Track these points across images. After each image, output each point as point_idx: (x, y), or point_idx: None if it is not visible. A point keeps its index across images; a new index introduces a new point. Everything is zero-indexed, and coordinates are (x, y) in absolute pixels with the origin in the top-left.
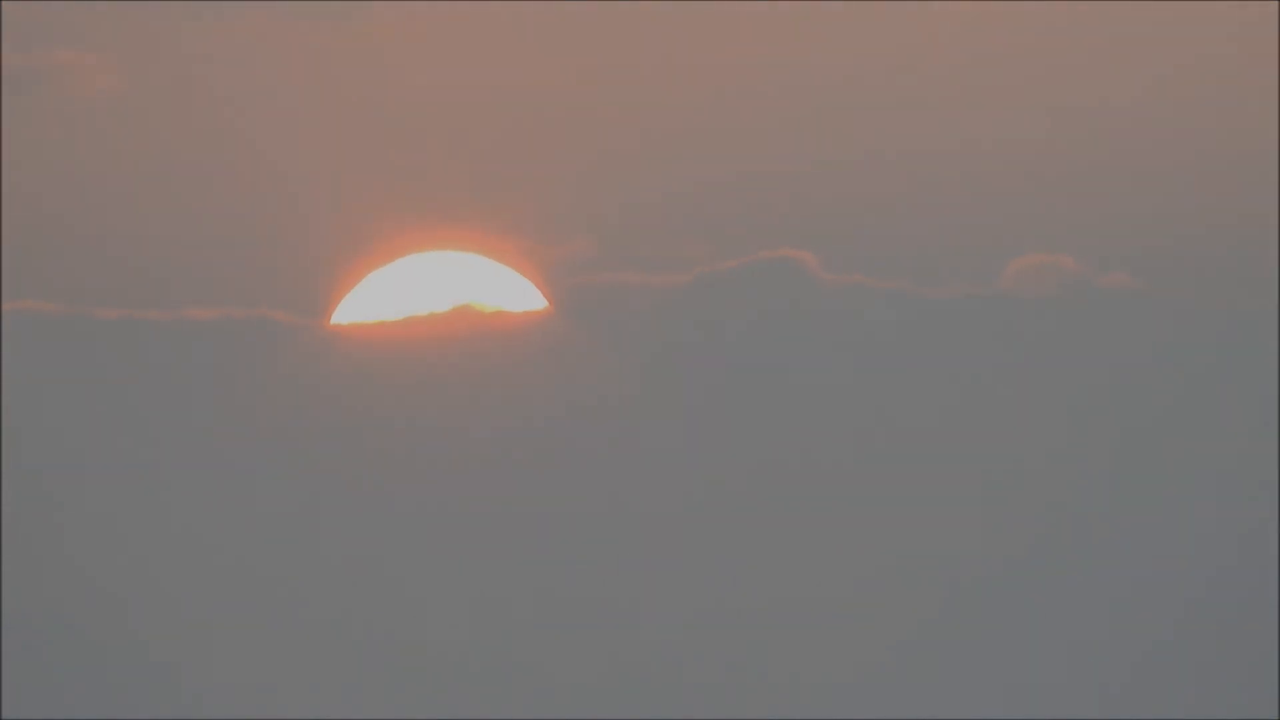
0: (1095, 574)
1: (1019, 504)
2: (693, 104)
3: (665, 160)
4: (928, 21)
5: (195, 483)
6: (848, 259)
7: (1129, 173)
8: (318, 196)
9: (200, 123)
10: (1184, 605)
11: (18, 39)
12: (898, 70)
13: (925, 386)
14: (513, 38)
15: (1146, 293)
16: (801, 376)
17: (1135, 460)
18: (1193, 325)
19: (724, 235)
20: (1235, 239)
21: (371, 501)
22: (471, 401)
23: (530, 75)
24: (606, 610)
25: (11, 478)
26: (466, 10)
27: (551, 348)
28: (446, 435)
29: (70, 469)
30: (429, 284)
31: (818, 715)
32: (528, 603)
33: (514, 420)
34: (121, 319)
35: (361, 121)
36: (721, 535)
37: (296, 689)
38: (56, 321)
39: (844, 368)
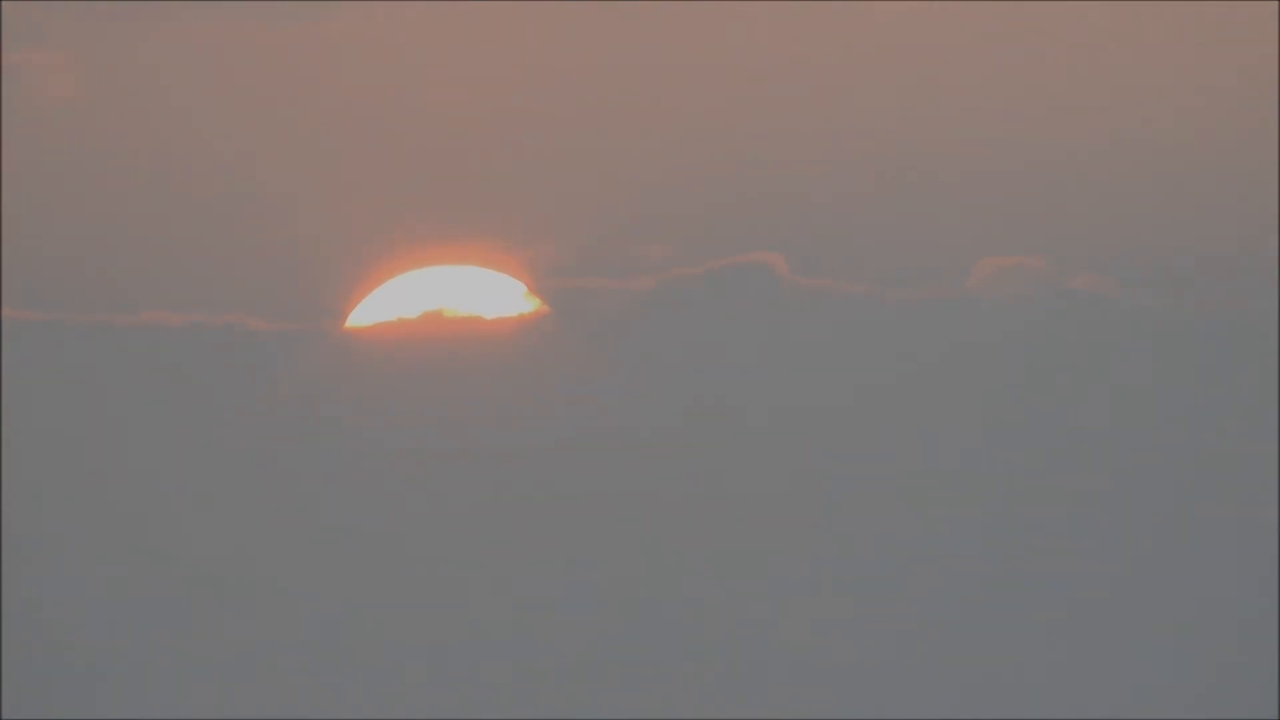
0: (1081, 573)
1: (992, 503)
2: (666, 108)
3: (638, 164)
4: (898, 25)
5: (185, 481)
6: (818, 262)
7: (1098, 174)
8: (297, 203)
9: (166, 128)
10: (1170, 604)
11: None
12: (867, 74)
13: (897, 387)
14: (484, 44)
15: (1116, 293)
16: (773, 379)
17: (1108, 459)
18: (1163, 325)
19: (695, 239)
20: (1208, 240)
21: (358, 502)
22: (447, 405)
23: (503, 81)
24: (588, 604)
25: (9, 479)
26: (441, 13)
27: (524, 352)
28: (426, 438)
29: (62, 472)
30: (404, 291)
31: (801, 715)
32: (514, 598)
33: (491, 425)
34: (94, 324)
35: (339, 126)
36: (702, 536)
37: (288, 689)
38: (34, 327)
39: (815, 370)
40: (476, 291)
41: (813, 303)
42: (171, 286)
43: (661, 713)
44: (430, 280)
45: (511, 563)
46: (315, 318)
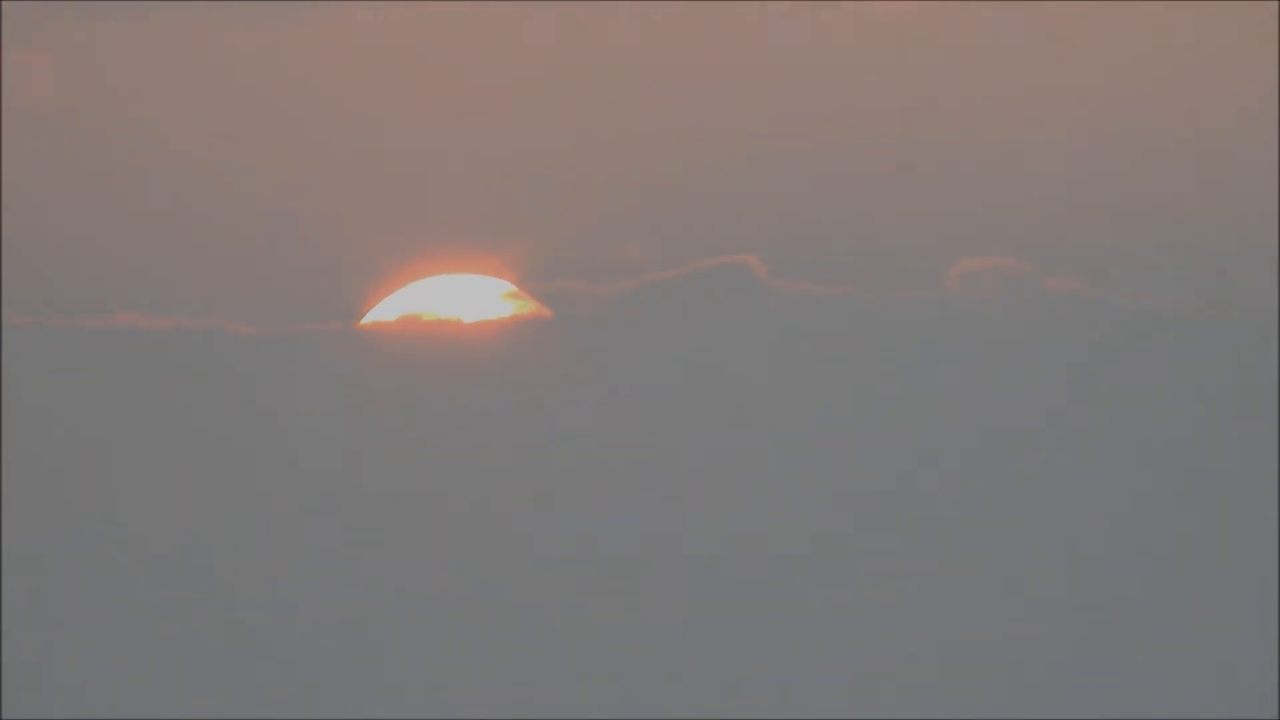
0: (1072, 573)
1: (972, 503)
2: (643, 110)
3: (616, 167)
4: (878, 28)
5: (175, 483)
6: (796, 264)
7: (1076, 175)
8: (281, 207)
9: (146, 129)
10: (1164, 604)
11: None
12: (845, 77)
13: (876, 387)
14: (466, 47)
15: (1091, 294)
16: (751, 381)
17: (1087, 458)
18: (1139, 326)
19: (672, 241)
20: (1185, 241)
21: (345, 503)
22: (428, 410)
23: (480, 83)
24: (577, 601)
25: (10, 481)
26: (423, 16)
27: (505, 356)
28: (409, 441)
29: (55, 474)
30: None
31: (791, 715)
32: (506, 598)
33: (474, 428)
34: (80, 328)
35: (317, 131)
36: (687, 537)
37: (285, 689)
38: (25, 332)
39: (795, 370)
40: (457, 295)
41: (792, 304)
42: (151, 289)
43: (654, 713)
44: (413, 285)
45: (502, 563)
46: (297, 322)
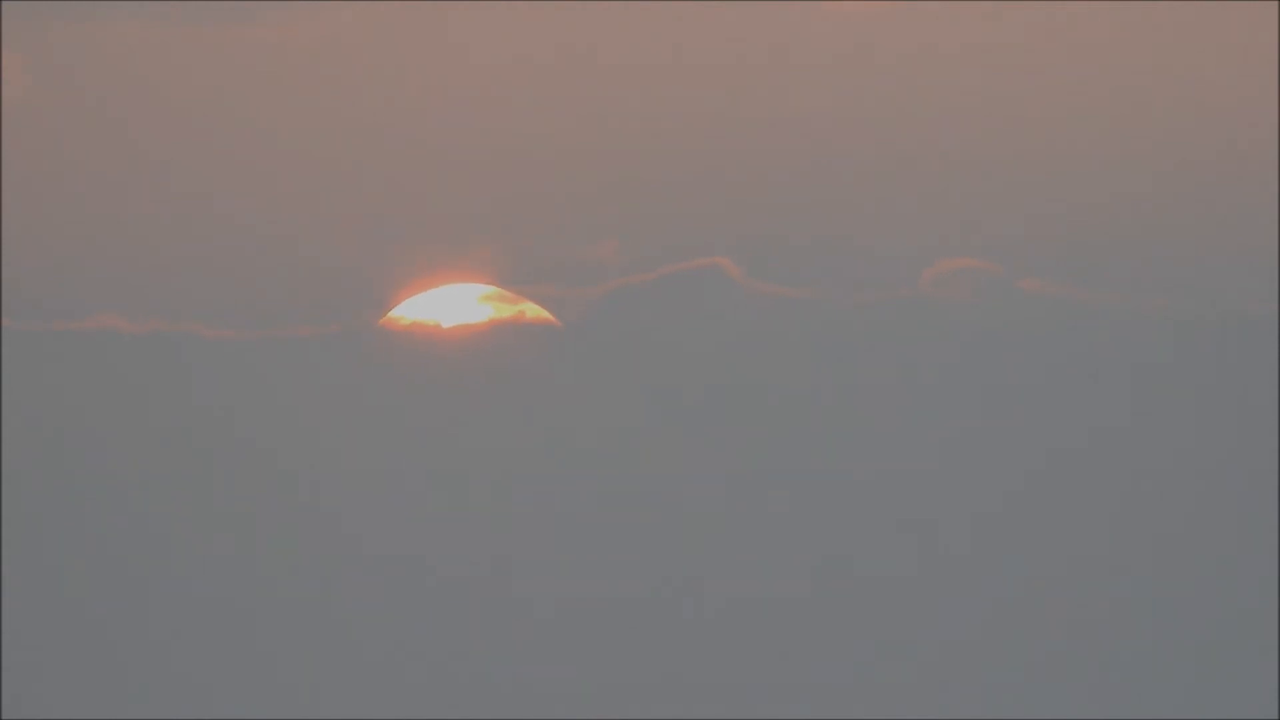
0: (1064, 573)
1: (946, 504)
2: (616, 111)
3: (590, 168)
4: (854, 28)
5: (165, 484)
6: (772, 267)
7: (1055, 176)
8: (263, 210)
9: (110, 131)
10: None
11: None
12: (818, 79)
13: (853, 389)
14: (443, 49)
15: (1063, 295)
16: (725, 383)
17: (1063, 457)
18: (1116, 326)
19: (646, 244)
20: (1154, 243)
21: (326, 505)
22: (406, 413)
23: (455, 85)
24: (562, 599)
25: (11, 486)
26: (400, 14)
27: (479, 362)
28: (389, 444)
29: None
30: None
31: (772, 714)
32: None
33: (457, 431)
34: (45, 331)
35: (294, 134)
36: (675, 539)
37: (280, 689)
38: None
39: (766, 374)
40: (440, 300)
41: (765, 307)
42: (128, 293)
43: (652, 713)
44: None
45: (491, 564)
46: (276, 327)
